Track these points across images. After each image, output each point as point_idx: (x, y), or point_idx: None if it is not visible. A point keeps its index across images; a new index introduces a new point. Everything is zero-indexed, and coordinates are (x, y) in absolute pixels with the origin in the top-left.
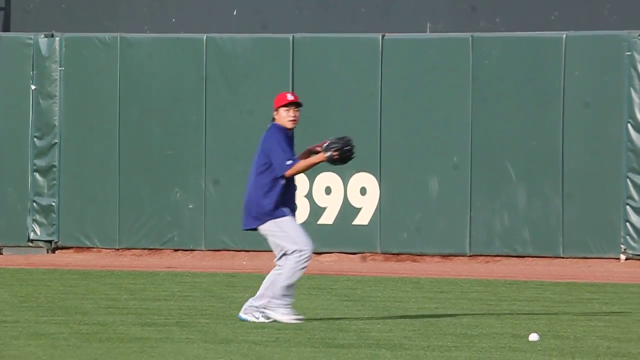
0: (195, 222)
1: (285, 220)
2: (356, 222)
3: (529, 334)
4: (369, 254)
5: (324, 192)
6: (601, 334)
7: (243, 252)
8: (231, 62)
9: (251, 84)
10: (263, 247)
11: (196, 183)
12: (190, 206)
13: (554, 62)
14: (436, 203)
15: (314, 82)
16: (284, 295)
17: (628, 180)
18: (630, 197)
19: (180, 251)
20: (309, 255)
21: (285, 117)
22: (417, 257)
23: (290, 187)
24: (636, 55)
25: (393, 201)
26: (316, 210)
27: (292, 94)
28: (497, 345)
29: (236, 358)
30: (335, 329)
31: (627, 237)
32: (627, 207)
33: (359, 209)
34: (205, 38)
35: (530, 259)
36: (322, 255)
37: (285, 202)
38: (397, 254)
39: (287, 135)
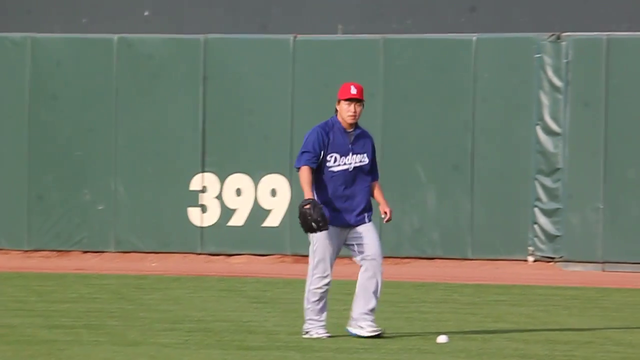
0: (104, 224)
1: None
2: (266, 223)
3: (438, 336)
4: (279, 256)
5: (235, 193)
6: (509, 335)
7: (152, 254)
8: (142, 62)
9: (162, 85)
10: (172, 248)
11: (106, 184)
12: (100, 207)
13: (465, 64)
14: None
15: (225, 84)
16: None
17: (536, 182)
18: (539, 199)
19: (89, 253)
20: (327, 275)
21: (345, 111)
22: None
23: (339, 189)
24: (545, 58)
25: None
26: (226, 212)
27: (357, 86)
28: (405, 347)
29: None
30: (244, 331)
31: (535, 238)
32: (535, 209)
33: (269, 211)
34: (116, 39)
35: (439, 260)
36: (232, 257)
37: (326, 204)
38: (307, 256)
39: (339, 132)
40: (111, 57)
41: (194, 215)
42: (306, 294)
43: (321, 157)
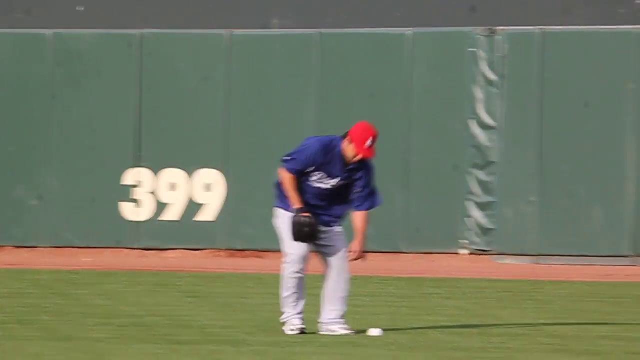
0: (38, 219)
1: (283, 215)
2: (201, 218)
3: (371, 329)
4: (213, 251)
5: (169, 188)
6: (442, 328)
7: (85, 249)
8: (77, 58)
9: (97, 80)
10: (105, 243)
11: (39, 179)
12: (33, 202)
13: (400, 58)
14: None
15: (161, 79)
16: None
17: (471, 176)
18: (473, 193)
19: (22, 248)
20: (296, 261)
21: (352, 156)
22: (262, 253)
23: (315, 199)
24: (480, 52)
25: (239, 197)
26: (161, 207)
27: (374, 137)
28: (339, 340)
29: (77, 356)
30: (178, 326)
31: (469, 232)
32: (470, 202)
33: (203, 206)
34: (50, 34)
35: (374, 254)
36: (167, 251)
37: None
38: (242, 250)
39: (337, 158)
40: (46, 52)
41: (128, 210)
42: (283, 282)
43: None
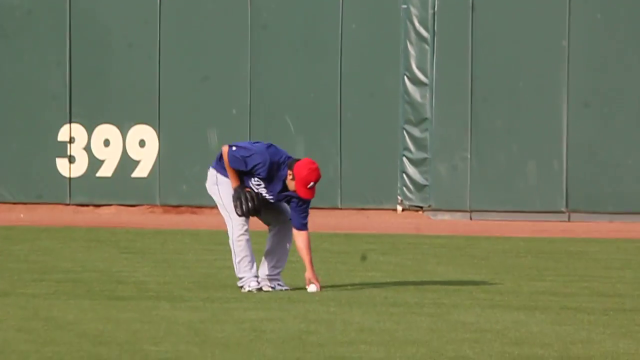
0: None
1: (224, 182)
2: (135, 174)
3: (308, 285)
4: (148, 206)
5: (103, 144)
6: (378, 284)
7: (20, 205)
8: (7, 13)
9: (28, 36)
10: (40, 199)
11: None
12: None
13: (332, 15)
14: (215, 155)
15: (91, 33)
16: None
17: (404, 132)
18: (407, 149)
19: None
20: (243, 224)
21: (292, 187)
22: (196, 209)
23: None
24: (412, 9)
25: (172, 153)
26: (95, 163)
27: (314, 185)
28: (275, 296)
29: (14, 311)
30: (114, 281)
31: (404, 188)
32: (404, 158)
33: (138, 161)
34: None
35: (310, 210)
36: (101, 207)
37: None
38: (177, 206)
39: (279, 182)
40: None
41: (62, 166)
42: (232, 247)
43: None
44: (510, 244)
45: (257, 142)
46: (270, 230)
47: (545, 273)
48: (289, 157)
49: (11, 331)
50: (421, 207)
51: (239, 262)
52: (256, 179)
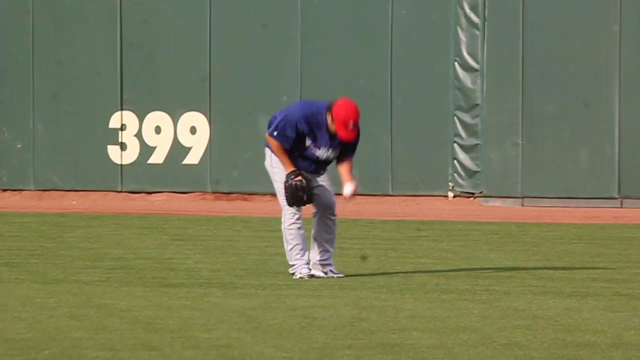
0: (23, 162)
1: (278, 169)
2: (186, 161)
3: (344, 186)
4: (199, 193)
5: (154, 131)
6: (430, 271)
7: (72, 192)
8: (58, 1)
9: (79, 23)
10: (92, 186)
11: (24, 122)
12: (18, 146)
13: (382, 1)
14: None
15: (142, 21)
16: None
17: (455, 118)
18: (458, 135)
19: (8, 191)
20: (294, 212)
21: (333, 130)
22: (248, 196)
23: (304, 163)
24: None
25: (223, 140)
26: (146, 150)
27: (355, 121)
28: (327, 283)
29: (66, 298)
30: (166, 269)
31: (455, 174)
32: (455, 145)
33: (189, 148)
34: None
35: (360, 197)
36: (153, 194)
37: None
38: (228, 193)
39: (323, 129)
40: None
41: (114, 153)
42: (284, 235)
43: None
44: (562, 230)
45: (289, 106)
46: (315, 214)
47: (597, 259)
48: (326, 103)
49: (64, 318)
50: (472, 194)
51: (290, 250)
52: (307, 140)
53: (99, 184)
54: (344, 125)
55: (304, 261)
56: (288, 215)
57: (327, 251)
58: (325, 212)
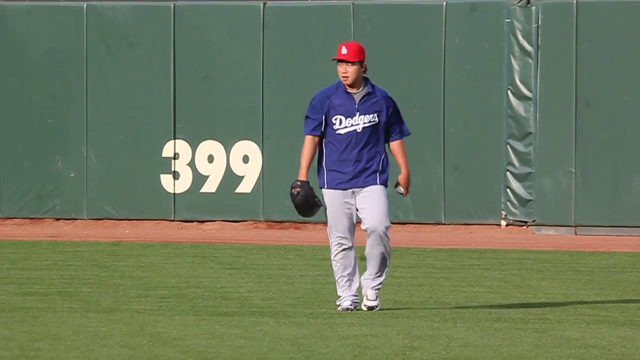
0: (76, 191)
1: (325, 193)
2: (239, 190)
3: (396, 187)
4: (252, 222)
5: (207, 160)
6: (482, 299)
7: (125, 221)
8: (112, 30)
9: (133, 52)
10: (144, 215)
11: (77, 151)
12: (72, 175)
13: (435, 29)
14: None
15: (195, 51)
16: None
17: (508, 146)
18: (511, 164)
19: (62, 220)
20: (340, 243)
21: (339, 73)
22: (300, 224)
23: (345, 152)
24: (515, 23)
25: (275, 169)
26: (199, 179)
27: (350, 46)
28: (380, 312)
29: (119, 327)
30: (218, 297)
31: (508, 203)
32: (508, 173)
33: (241, 177)
34: (85, 6)
35: (412, 225)
36: (205, 223)
37: (334, 168)
38: (280, 222)
39: (342, 94)
40: (81, 24)
41: (167, 182)
42: (332, 265)
43: (324, 121)
44: (615, 259)
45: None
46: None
47: None
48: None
49: (116, 347)
50: (525, 222)
51: (337, 280)
52: (335, 121)
53: (152, 212)
54: (339, 51)
55: (348, 293)
56: (333, 245)
57: (375, 272)
58: (372, 232)
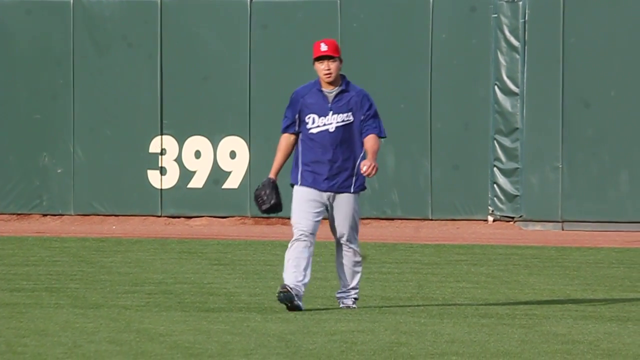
0: (63, 187)
1: (295, 190)
2: (226, 185)
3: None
4: (239, 218)
5: (194, 155)
6: (469, 295)
7: (112, 217)
8: (99, 25)
9: (119, 48)
10: (132, 211)
11: (64, 147)
12: (59, 170)
13: (422, 24)
14: None
15: (182, 46)
16: None
17: (495, 142)
18: (498, 159)
19: (49, 216)
20: (299, 235)
21: (320, 70)
22: (287, 220)
23: (319, 152)
24: (502, 18)
25: (263, 164)
26: (186, 174)
27: (329, 42)
28: (367, 308)
29: (106, 323)
30: (205, 293)
31: (495, 198)
32: (495, 168)
33: (229, 173)
34: (72, 1)
35: (399, 221)
36: (192, 219)
37: (309, 169)
38: (267, 218)
39: (316, 93)
40: (68, 19)
41: (154, 177)
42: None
43: (298, 119)
44: (602, 254)
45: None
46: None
47: (638, 284)
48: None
49: (103, 343)
50: (512, 218)
51: (285, 266)
52: (309, 120)
53: (139, 208)
54: (317, 50)
55: (293, 279)
56: (293, 240)
57: (345, 285)
58: (340, 244)
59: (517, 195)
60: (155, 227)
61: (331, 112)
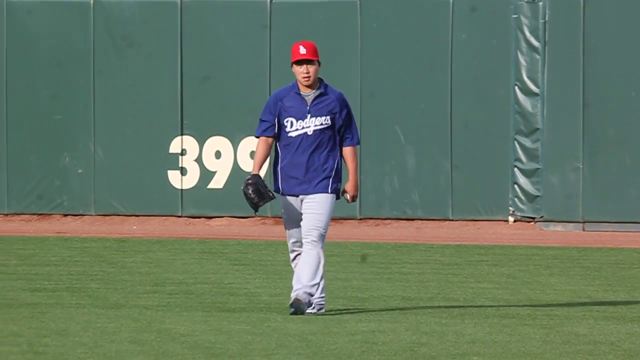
0: (84, 187)
1: (280, 197)
2: None
3: (343, 194)
4: (259, 218)
5: (214, 156)
6: (490, 295)
7: (133, 217)
8: (119, 26)
9: (140, 48)
10: (152, 211)
11: (85, 147)
12: (80, 171)
13: (442, 25)
14: None
15: (202, 47)
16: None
17: (516, 142)
18: (518, 160)
19: (69, 216)
20: (293, 250)
21: (298, 73)
22: None
23: (296, 155)
24: (522, 19)
25: None
26: (206, 174)
27: (307, 45)
28: (387, 307)
29: (127, 323)
30: (226, 293)
31: (515, 199)
32: (515, 169)
33: (249, 173)
34: (92, 2)
35: (420, 221)
36: (213, 219)
37: (286, 173)
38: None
39: (294, 96)
40: (88, 20)
41: (174, 178)
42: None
43: (277, 123)
44: (623, 255)
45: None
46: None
47: None
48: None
49: (125, 343)
50: (533, 218)
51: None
52: (287, 123)
53: (159, 208)
54: (296, 53)
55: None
56: (290, 251)
57: (307, 280)
58: (305, 237)
59: (537, 196)
60: (176, 227)
61: (309, 115)
